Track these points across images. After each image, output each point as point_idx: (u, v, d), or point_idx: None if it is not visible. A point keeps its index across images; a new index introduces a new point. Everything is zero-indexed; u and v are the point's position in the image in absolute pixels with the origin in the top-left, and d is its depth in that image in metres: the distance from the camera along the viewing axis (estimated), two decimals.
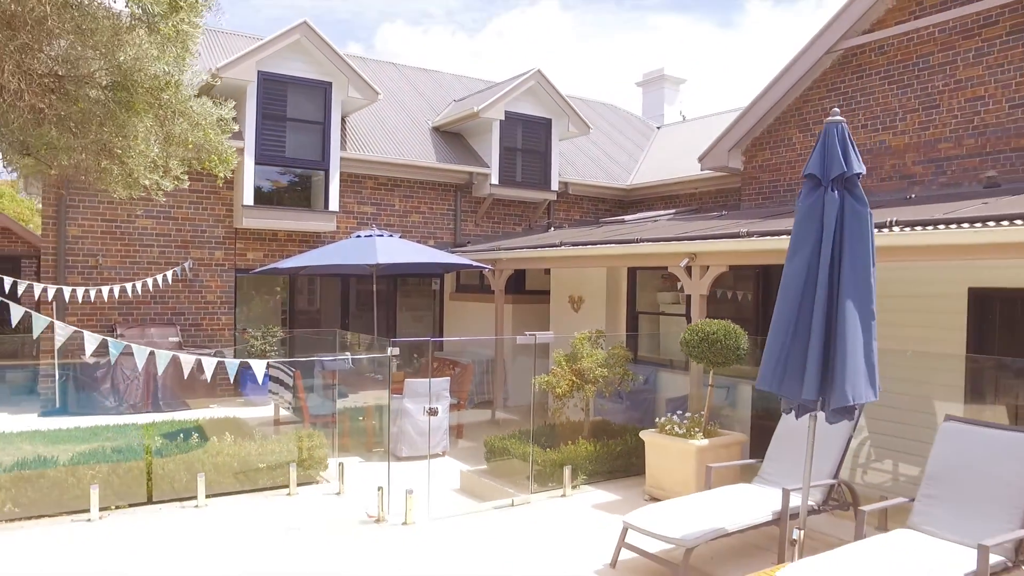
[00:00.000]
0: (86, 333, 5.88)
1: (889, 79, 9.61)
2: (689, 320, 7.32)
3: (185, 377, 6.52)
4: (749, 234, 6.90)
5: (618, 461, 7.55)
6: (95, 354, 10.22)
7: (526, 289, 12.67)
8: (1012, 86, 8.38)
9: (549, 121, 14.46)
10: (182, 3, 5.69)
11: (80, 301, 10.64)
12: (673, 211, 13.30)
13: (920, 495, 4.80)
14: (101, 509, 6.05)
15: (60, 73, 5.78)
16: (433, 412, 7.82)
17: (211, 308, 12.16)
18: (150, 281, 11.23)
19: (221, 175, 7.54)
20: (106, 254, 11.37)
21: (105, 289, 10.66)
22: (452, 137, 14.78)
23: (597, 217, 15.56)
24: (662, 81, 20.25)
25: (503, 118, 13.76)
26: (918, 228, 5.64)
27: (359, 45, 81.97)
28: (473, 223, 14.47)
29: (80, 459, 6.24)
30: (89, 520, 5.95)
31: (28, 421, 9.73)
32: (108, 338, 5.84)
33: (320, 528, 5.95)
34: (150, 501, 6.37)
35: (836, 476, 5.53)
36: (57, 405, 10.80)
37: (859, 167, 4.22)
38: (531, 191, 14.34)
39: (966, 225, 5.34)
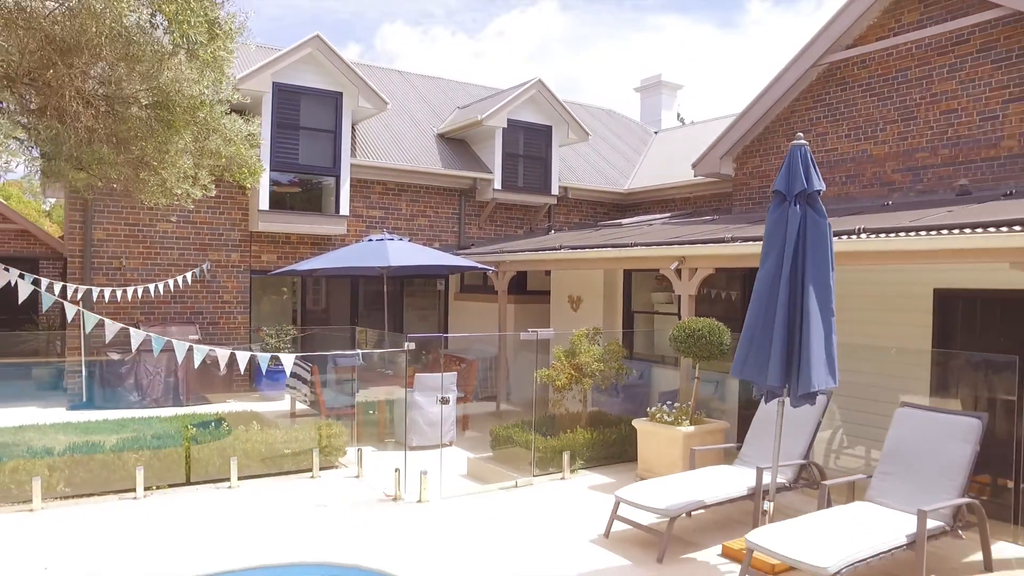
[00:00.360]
0: (132, 330, 6.50)
1: (870, 92, 10.21)
2: (681, 319, 7.94)
3: (220, 371, 7.13)
4: (733, 239, 7.50)
5: (613, 448, 8.17)
6: (118, 351, 10.90)
7: (527, 289, 13.26)
8: (983, 100, 8.99)
9: (550, 128, 15.06)
10: (219, 31, 6.31)
11: (106, 301, 11.28)
12: (668, 215, 13.86)
13: (876, 472, 5.42)
14: (145, 489, 6.69)
15: (107, 94, 6.41)
16: (445, 400, 8.44)
17: (228, 308, 12.78)
18: (171, 282, 11.86)
19: (249, 185, 8.16)
20: (129, 256, 11.99)
21: (129, 289, 11.29)
22: (456, 143, 15.39)
23: (596, 220, 16.14)
24: (660, 87, 20.83)
25: (505, 125, 14.37)
26: (882, 235, 6.25)
27: (359, 45, 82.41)
28: (477, 226, 15.07)
29: (124, 445, 6.87)
30: (135, 498, 6.59)
31: (58, 414, 10.34)
32: (152, 334, 6.46)
33: (345, 505, 6.59)
34: (188, 482, 7.01)
35: (806, 457, 6.15)
36: (84, 399, 11.40)
37: (819, 185, 4.85)
38: (532, 195, 14.94)
39: (923, 233, 5.94)
